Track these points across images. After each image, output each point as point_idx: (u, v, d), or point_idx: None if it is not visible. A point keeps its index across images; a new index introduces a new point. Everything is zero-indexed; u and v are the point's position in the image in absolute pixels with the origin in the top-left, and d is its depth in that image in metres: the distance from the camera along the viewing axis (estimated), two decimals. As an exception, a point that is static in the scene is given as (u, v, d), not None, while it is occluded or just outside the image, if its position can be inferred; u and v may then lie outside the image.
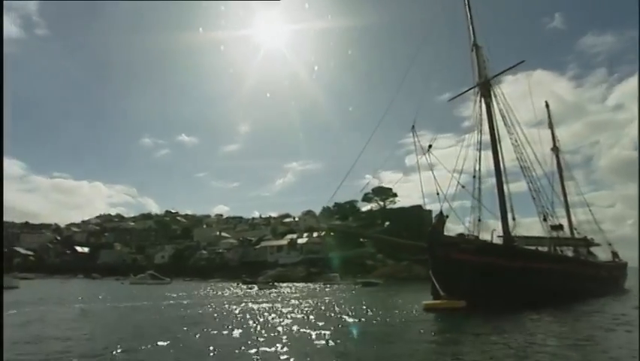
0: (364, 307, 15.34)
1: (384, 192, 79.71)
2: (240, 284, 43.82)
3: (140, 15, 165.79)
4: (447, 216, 15.93)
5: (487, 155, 20.36)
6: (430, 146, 17.81)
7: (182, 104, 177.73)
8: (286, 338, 8.51)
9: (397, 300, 19.96)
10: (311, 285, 43.06)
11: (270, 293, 28.13)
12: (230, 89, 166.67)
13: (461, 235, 18.47)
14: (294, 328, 10.02)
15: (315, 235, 75.09)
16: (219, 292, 29.40)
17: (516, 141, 20.68)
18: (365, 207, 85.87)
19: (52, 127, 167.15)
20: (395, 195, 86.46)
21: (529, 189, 20.38)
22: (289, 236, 75.25)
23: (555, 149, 29.74)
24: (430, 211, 75.18)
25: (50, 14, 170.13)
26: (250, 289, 34.57)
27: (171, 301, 21.23)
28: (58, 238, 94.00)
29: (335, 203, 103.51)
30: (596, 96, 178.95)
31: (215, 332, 9.67)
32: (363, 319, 12.11)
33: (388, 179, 77.01)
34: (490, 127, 20.86)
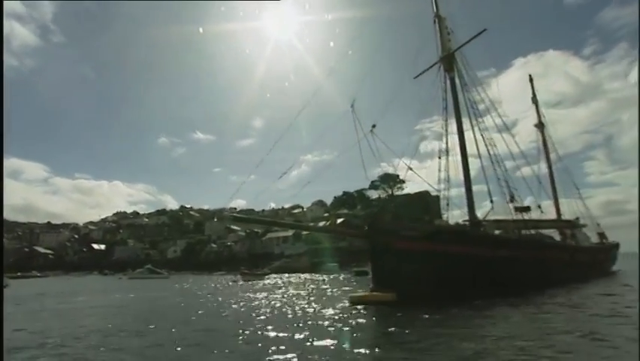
0: (306, 302, 14.49)
1: (391, 179, 78.22)
2: (239, 276, 43.89)
3: (148, 15, 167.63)
4: (389, 201, 14.89)
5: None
6: (373, 126, 16.73)
7: (195, 103, 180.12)
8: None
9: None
10: (306, 276, 42.62)
11: (251, 285, 27.79)
12: (241, 84, 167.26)
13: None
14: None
15: (320, 224, 74.83)
16: (204, 285, 29.32)
17: (477, 117, 19.31)
18: (374, 195, 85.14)
19: (72, 130, 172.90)
20: (402, 181, 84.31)
21: (494, 169, 19.11)
22: (295, 227, 75.15)
23: (540, 125, 27.69)
24: (437, 197, 73.27)
25: (65, 21, 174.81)
26: (234, 281, 34.42)
27: (151, 294, 21.34)
28: (76, 236, 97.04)
29: (344, 192, 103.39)
30: (618, 73, 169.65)
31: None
32: (268, 315, 11.28)
33: (402, 165, 75.66)
34: (454, 105, 19.58)
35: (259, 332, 8.05)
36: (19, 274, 64.11)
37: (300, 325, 8.73)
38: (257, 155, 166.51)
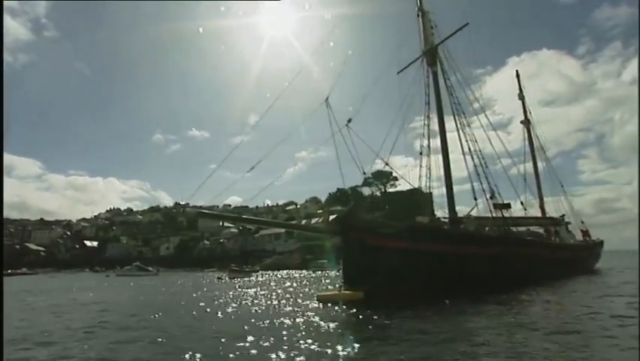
0: (275, 299, 14.19)
1: (384, 176, 77.80)
2: (226, 273, 43.59)
3: (143, 11, 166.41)
4: (362, 196, 14.57)
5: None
6: (349, 120, 16.39)
7: (191, 100, 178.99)
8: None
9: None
10: (294, 272, 42.37)
11: (236, 282, 27.51)
12: (237, 80, 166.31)
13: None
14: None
15: (313, 221, 74.30)
16: (190, 282, 28.98)
17: (458, 112, 19.03)
18: (368, 192, 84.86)
19: (66, 127, 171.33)
20: (395, 178, 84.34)
21: (474, 165, 18.89)
22: (287, 224, 74.81)
23: (525, 121, 27.36)
24: (430, 194, 73.20)
25: (58, 16, 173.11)
26: (220, 278, 34.13)
27: (129, 291, 21.21)
28: (69, 233, 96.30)
29: (338, 189, 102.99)
30: (611, 71, 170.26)
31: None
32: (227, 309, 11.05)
33: (400, 163, 75.80)
34: (437, 100, 19.28)
35: (197, 332, 7.76)
36: (9, 271, 63.49)
37: (248, 322, 8.45)
38: (252, 151, 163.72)
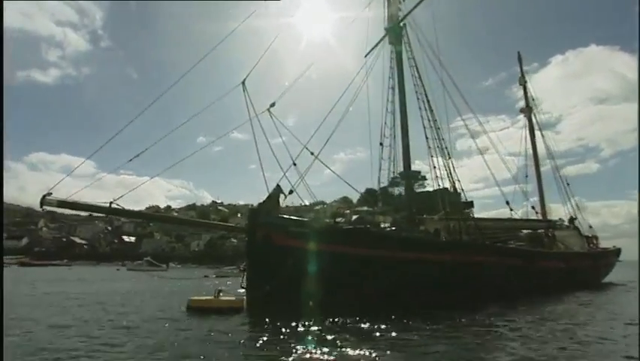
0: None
1: (412, 176, 74.61)
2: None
3: (188, 13, 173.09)
4: (279, 189, 12.64)
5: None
6: (271, 104, 14.39)
7: (231, 102, 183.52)
8: None
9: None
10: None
11: (212, 280, 26.69)
12: (275, 81, 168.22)
13: None
14: None
15: (338, 220, 72.43)
16: (184, 280, 28.50)
17: (424, 101, 16.47)
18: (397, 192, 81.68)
19: (117, 129, 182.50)
20: (424, 178, 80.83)
21: (444, 163, 16.41)
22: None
23: (527, 109, 23.32)
24: (459, 194, 69.20)
25: (112, 25, 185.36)
26: (206, 276, 33.73)
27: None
28: (109, 228, 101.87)
29: (367, 189, 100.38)
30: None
31: None
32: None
33: (440, 164, 72.91)
34: (399, 83, 16.97)
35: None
36: (44, 262, 67.32)
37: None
38: (291, 151, 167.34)
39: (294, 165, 13.99)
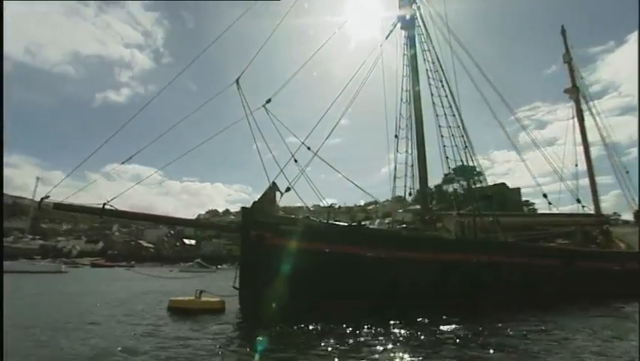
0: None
1: (467, 172, 70.72)
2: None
3: (235, 16, 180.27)
4: (275, 187, 12.09)
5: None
6: (267, 100, 13.82)
7: (283, 108, 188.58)
8: None
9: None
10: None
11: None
12: (324, 83, 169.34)
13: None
14: None
15: (386, 220, 70.81)
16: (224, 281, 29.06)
17: (440, 81, 15.06)
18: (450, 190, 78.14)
19: (181, 140, 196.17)
20: (480, 173, 76.28)
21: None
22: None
23: (574, 89, 20.02)
24: (518, 189, 64.66)
25: (171, 42, 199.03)
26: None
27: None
28: (172, 232, 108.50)
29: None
30: None
31: None
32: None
33: (503, 158, 69.30)
34: (412, 69, 15.81)
35: None
36: (108, 263, 73.69)
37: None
38: (345, 153, 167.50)
39: (295, 161, 13.52)
